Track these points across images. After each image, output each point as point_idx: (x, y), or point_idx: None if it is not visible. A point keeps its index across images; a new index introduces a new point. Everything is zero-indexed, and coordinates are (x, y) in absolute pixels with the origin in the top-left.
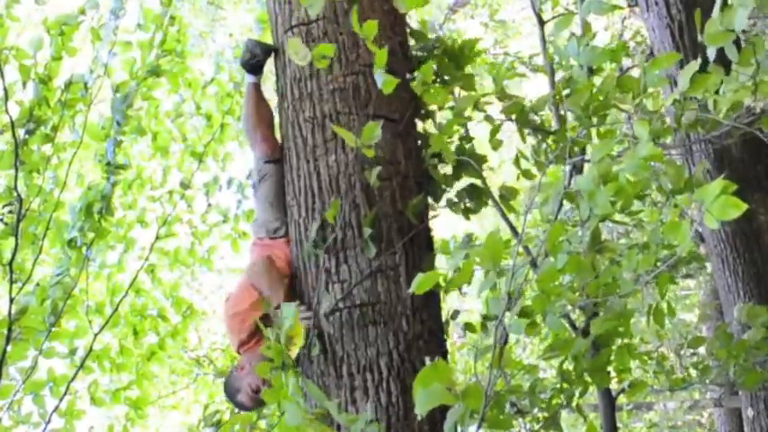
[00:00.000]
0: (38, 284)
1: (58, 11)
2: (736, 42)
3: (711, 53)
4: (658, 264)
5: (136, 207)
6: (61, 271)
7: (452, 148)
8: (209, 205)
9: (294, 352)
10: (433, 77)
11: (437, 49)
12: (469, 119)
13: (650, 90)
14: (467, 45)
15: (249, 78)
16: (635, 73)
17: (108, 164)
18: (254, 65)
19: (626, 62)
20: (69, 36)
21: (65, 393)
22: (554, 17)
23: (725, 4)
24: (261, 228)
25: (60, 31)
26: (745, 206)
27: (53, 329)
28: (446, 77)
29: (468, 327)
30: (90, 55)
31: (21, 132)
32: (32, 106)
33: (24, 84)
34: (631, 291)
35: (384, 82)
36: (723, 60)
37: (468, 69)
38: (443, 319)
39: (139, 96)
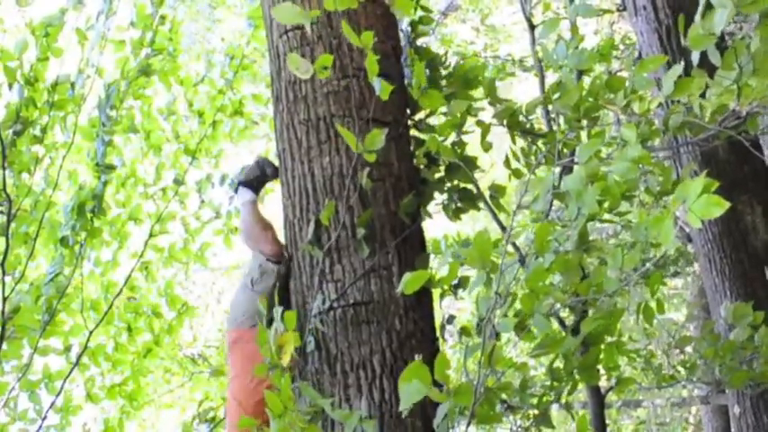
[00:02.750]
0: (32, 284)
1: (42, 13)
2: (724, 46)
3: (695, 57)
4: (646, 263)
5: (129, 204)
6: (55, 270)
7: (443, 155)
8: (202, 202)
9: (286, 360)
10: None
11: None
12: (463, 121)
13: (639, 93)
14: (472, 71)
15: (249, 196)
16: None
17: (97, 164)
18: (261, 183)
19: (615, 66)
20: (54, 37)
21: (60, 390)
22: (544, 21)
23: (707, 9)
24: (248, 317)
25: (45, 33)
26: (727, 204)
27: (48, 328)
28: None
29: (465, 332)
30: (80, 55)
31: (9, 133)
32: (18, 107)
33: (10, 85)
34: (618, 289)
35: (381, 89)
36: (711, 64)
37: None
38: (439, 322)
39: (130, 96)
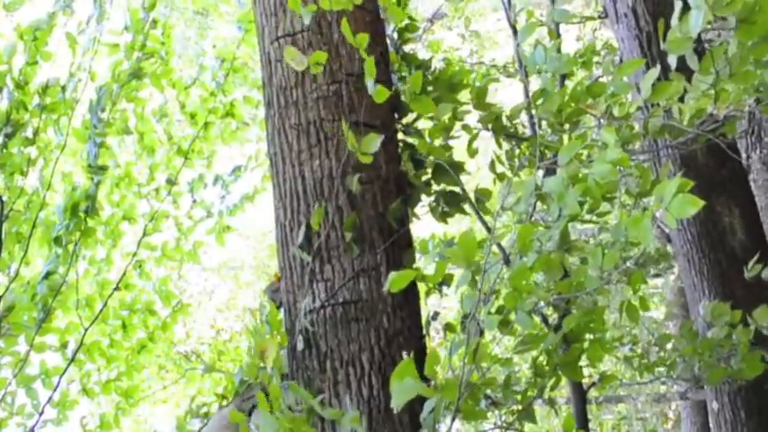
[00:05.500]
0: (28, 282)
1: (32, 17)
2: (702, 52)
3: (672, 61)
4: (626, 261)
5: (123, 204)
6: (49, 268)
7: (433, 156)
8: (195, 201)
9: (269, 364)
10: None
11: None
12: (451, 125)
13: (619, 97)
14: (456, 76)
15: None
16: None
17: (89, 165)
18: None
19: (597, 72)
20: (43, 41)
21: (57, 385)
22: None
23: (684, 11)
24: None
25: (33, 37)
26: (702, 203)
27: (43, 325)
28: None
29: (449, 327)
30: (72, 60)
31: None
32: (9, 110)
33: (0, 89)
34: (599, 287)
35: (376, 92)
36: (688, 69)
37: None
38: (424, 319)
39: (123, 98)
